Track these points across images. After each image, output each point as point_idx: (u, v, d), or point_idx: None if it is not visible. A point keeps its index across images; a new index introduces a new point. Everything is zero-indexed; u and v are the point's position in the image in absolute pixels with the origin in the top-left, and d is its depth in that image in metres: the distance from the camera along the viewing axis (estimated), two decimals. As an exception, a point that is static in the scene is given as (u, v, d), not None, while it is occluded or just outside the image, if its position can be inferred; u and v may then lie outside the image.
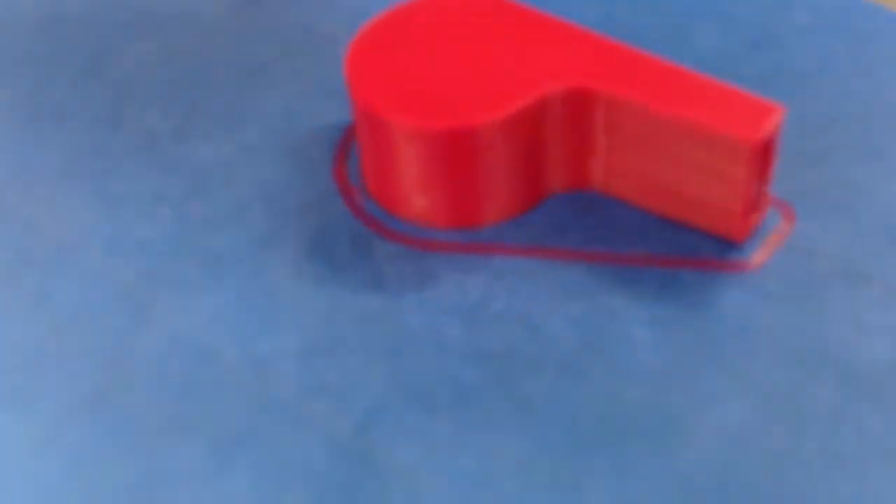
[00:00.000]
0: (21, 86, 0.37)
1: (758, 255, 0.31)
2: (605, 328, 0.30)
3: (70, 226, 0.33)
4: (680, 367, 0.29)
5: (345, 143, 0.34)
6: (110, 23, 0.38)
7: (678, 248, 0.31)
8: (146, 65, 0.37)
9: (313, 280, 0.31)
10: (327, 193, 0.33)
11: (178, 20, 0.39)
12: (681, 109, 0.29)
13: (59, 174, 0.34)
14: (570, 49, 0.31)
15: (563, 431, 0.28)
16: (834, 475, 0.26)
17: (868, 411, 0.28)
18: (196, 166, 0.34)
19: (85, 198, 0.33)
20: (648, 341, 0.29)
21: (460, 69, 0.31)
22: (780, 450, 0.27)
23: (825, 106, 0.35)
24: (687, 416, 0.28)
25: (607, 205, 0.32)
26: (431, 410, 0.28)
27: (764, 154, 0.30)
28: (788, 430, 0.27)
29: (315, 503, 0.26)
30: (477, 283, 0.31)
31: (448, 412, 0.28)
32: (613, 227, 0.32)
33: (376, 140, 0.31)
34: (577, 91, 0.30)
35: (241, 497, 0.27)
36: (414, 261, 0.31)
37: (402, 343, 0.29)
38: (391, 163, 0.31)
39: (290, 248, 0.32)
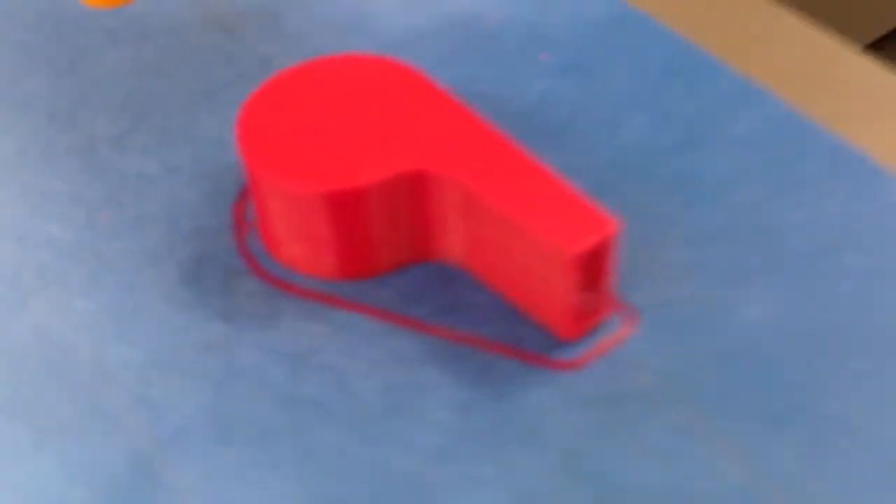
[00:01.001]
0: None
1: (579, 358, 0.32)
2: (411, 403, 0.31)
3: None
4: (459, 451, 0.30)
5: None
6: (99, 27, 0.42)
7: (512, 336, 0.33)
8: (115, 73, 0.41)
9: (178, 302, 0.34)
10: (222, 225, 0.36)
11: (157, 34, 0.42)
12: (517, 210, 0.31)
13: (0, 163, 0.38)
14: (441, 131, 0.33)
15: (334, 486, 0.30)
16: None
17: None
18: (120, 176, 0.37)
19: (15, 189, 0.37)
20: (444, 422, 0.31)
21: (337, 135, 0.33)
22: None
23: (720, 221, 0.35)
24: (444, 497, 0.29)
25: (466, 281, 0.34)
26: (228, 442, 0.31)
27: (590, 265, 0.31)
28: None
29: (94, 501, 0.30)
30: (315, 331, 0.33)
31: (241, 446, 0.31)
32: (461, 305, 0.34)
33: (255, 190, 0.33)
34: (429, 173, 0.32)
35: (45, 480, 0.30)
36: (270, 300, 0.34)
37: (229, 375, 0.32)
38: (265, 211, 0.33)
39: (170, 268, 0.35)
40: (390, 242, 0.34)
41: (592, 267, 0.31)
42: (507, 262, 0.32)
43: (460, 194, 0.32)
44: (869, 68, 0.40)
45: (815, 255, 0.34)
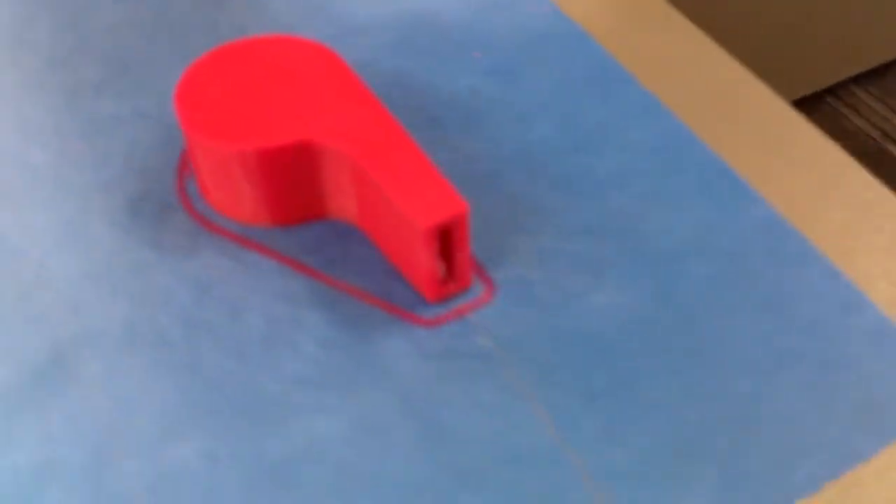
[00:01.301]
0: (4, 15, 0.48)
1: (435, 318, 0.38)
2: (288, 336, 0.37)
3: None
4: (317, 380, 0.36)
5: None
6: (107, -14, 0.49)
7: (385, 291, 0.38)
8: (110, 28, 0.47)
9: (119, 227, 0.40)
10: (169, 168, 0.42)
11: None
12: (389, 185, 0.36)
13: None
14: (340, 110, 0.39)
15: (211, 396, 0.36)
16: None
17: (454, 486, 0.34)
18: (95, 116, 0.44)
19: (9, 115, 0.44)
20: (311, 355, 0.37)
21: (256, 104, 0.39)
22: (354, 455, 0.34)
23: (591, 217, 0.40)
24: (296, 417, 0.35)
25: (356, 239, 0.40)
26: (132, 347, 0.37)
27: (443, 239, 0.36)
28: (378, 448, 0.35)
29: (15, 382, 0.36)
30: (224, 266, 0.39)
31: (142, 352, 0.37)
32: (348, 258, 0.39)
33: (188, 143, 0.39)
34: (322, 144, 0.38)
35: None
36: (194, 236, 0.40)
37: (145, 293, 0.38)
38: (196, 161, 0.39)
39: (119, 198, 0.41)
40: (294, 199, 0.39)
41: (446, 240, 0.36)
42: (385, 227, 0.38)
43: (349, 165, 0.38)
44: (768, 98, 0.44)
45: (667, 257, 0.39)
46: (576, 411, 0.35)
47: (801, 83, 1.37)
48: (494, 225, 0.40)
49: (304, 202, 0.40)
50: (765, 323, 0.37)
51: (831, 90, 1.42)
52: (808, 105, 1.40)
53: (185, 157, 0.42)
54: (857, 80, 1.43)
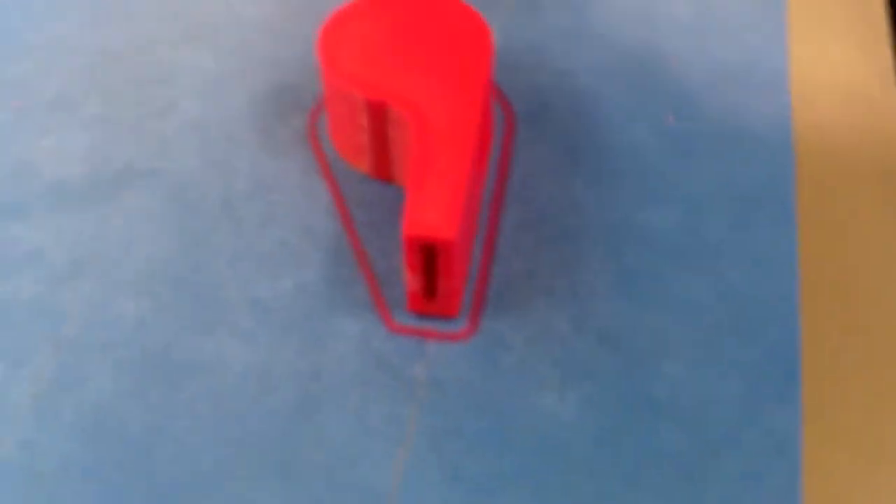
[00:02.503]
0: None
1: (397, 325, 0.37)
2: (281, 259, 0.39)
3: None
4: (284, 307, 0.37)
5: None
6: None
7: (387, 276, 0.38)
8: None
9: (256, 146, 0.43)
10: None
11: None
12: (415, 176, 0.36)
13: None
14: (447, 85, 0.38)
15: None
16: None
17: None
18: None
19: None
20: (283, 290, 0.38)
21: (390, 54, 0.39)
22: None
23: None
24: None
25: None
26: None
27: (427, 256, 0.35)
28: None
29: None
30: (314, 190, 0.41)
31: (210, 217, 0.40)
32: (390, 233, 0.39)
33: (334, 104, 0.41)
34: (398, 108, 0.38)
35: None
36: (308, 163, 0.42)
37: (252, 189, 0.41)
38: (328, 106, 0.41)
39: (267, 138, 0.44)
40: (385, 155, 0.40)
41: (431, 259, 0.35)
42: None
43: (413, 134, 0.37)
44: None
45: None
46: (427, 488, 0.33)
47: None
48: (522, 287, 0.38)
49: (389, 162, 0.40)
50: None
51: None
52: None
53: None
54: None
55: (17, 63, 0.45)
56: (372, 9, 0.41)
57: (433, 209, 0.35)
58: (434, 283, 0.36)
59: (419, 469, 0.34)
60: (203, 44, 0.46)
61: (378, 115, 0.38)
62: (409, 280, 0.36)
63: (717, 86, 0.44)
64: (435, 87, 0.38)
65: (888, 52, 0.46)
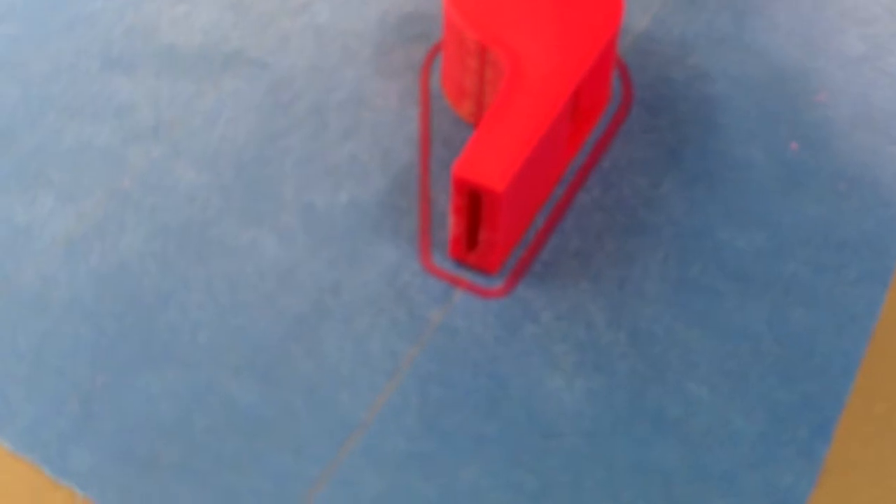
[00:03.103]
0: None
1: (434, 267, 0.36)
2: (335, 174, 0.38)
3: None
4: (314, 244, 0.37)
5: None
6: None
7: (443, 217, 0.37)
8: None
9: (365, 86, 0.42)
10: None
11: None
12: (490, 118, 0.34)
13: None
14: (559, 42, 0.37)
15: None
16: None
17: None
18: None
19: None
20: (337, 204, 0.37)
21: (521, 4, 0.38)
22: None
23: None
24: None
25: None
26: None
27: (473, 203, 0.33)
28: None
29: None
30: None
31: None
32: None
33: (448, 40, 0.40)
34: (502, 56, 0.37)
35: None
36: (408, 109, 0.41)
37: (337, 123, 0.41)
38: (444, 44, 0.40)
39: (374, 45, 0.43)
40: (482, 102, 0.38)
41: (476, 207, 0.34)
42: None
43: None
44: None
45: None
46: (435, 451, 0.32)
47: None
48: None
49: (486, 109, 0.39)
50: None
51: None
52: None
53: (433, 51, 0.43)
54: None
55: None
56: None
57: (492, 156, 0.34)
58: (476, 232, 0.35)
59: (399, 409, 0.32)
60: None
61: (483, 59, 0.37)
62: (453, 223, 0.35)
63: (859, 127, 0.41)
64: (544, 41, 0.37)
65: None
